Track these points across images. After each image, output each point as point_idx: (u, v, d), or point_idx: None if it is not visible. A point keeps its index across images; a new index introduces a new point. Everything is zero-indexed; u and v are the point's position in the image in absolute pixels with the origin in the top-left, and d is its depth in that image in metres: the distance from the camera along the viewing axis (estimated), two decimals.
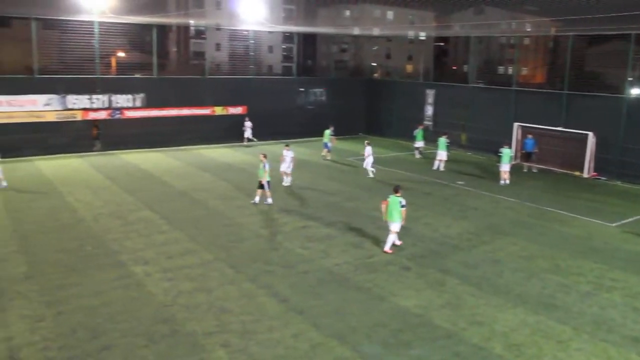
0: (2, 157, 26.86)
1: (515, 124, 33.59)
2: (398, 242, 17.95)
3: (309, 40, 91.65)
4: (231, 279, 15.24)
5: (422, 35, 72.27)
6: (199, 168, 30.31)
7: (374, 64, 63.49)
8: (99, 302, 13.55)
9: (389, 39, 78.42)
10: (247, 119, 37.74)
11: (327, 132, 34.01)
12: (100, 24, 34.02)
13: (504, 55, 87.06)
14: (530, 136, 31.09)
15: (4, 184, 24.98)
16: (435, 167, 31.14)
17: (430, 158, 33.04)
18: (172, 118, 36.72)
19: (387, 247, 17.56)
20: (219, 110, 38.49)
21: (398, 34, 77.37)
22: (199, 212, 21.67)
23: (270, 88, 41.36)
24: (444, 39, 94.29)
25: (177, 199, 23.72)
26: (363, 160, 29.62)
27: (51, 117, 32.85)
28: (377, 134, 43.74)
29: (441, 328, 12.66)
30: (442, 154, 31.03)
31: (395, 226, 17.44)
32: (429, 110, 40.37)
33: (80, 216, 20.78)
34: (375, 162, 29.70)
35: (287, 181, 26.15)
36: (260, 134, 38.69)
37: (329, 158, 33.72)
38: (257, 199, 22.91)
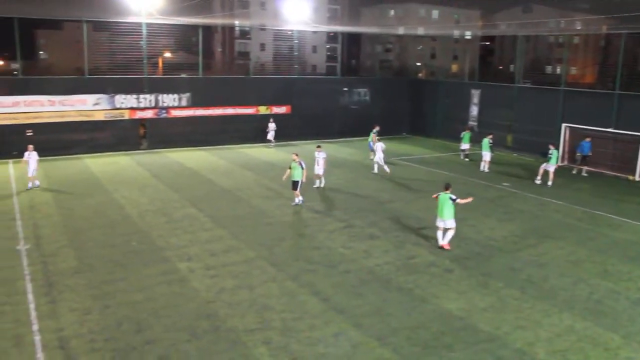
0: (48, 156, 27.66)
1: (564, 125, 32.82)
2: (443, 244, 17.82)
3: (353, 40, 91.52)
4: (273, 276, 15.34)
5: (468, 35, 71.29)
6: (242, 167, 30.62)
7: (419, 64, 63.00)
8: (144, 297, 13.83)
9: (433, 38, 77.74)
10: (271, 120, 37.50)
11: (373, 132, 33.54)
12: (148, 25, 34.75)
13: (552, 54, 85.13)
14: (588, 139, 30.10)
15: (37, 182, 25.33)
16: (481, 169, 30.66)
17: (476, 160, 32.57)
18: (216, 117, 37.22)
19: (445, 242, 17.68)
20: (263, 110, 38.81)
21: (443, 33, 76.54)
22: (242, 210, 21.89)
23: (314, 88, 41.48)
24: (490, 38, 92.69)
25: (221, 197, 24.01)
26: (406, 160, 29.39)
27: (100, 116, 33.73)
28: (421, 134, 43.40)
29: (483, 331, 12.46)
30: (486, 155, 30.55)
31: (450, 222, 17.55)
32: (474, 111, 39.80)
33: (127, 213, 21.24)
34: (419, 163, 29.43)
35: (317, 183, 25.64)
36: (304, 133, 38.88)
37: (372, 158, 33.38)
38: (296, 199, 22.79)
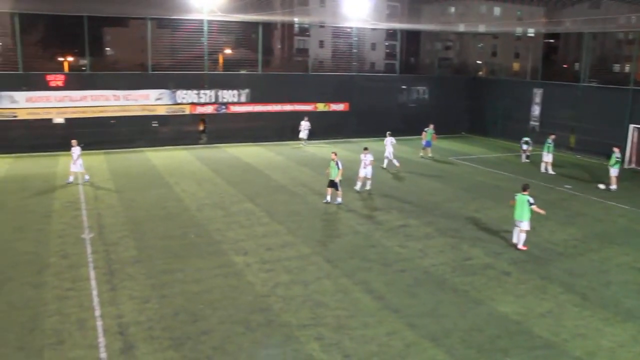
0: (112, 149, 28.53)
1: (631, 126, 31.58)
2: (519, 246, 17.64)
3: (412, 38, 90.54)
4: (328, 273, 15.38)
5: (531, 32, 69.42)
6: (299, 163, 30.81)
7: (479, 62, 61.82)
8: (200, 288, 14.11)
9: (495, 36, 76.12)
10: (305, 118, 36.79)
11: (429, 130, 33.35)
12: (210, 22, 35.39)
13: (621, 52, 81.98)
14: None
15: (87, 177, 25.61)
16: (543, 170, 29.82)
17: (536, 162, 31.66)
18: (275, 113, 37.57)
19: (520, 244, 17.56)
20: (321, 107, 38.92)
21: (505, 30, 74.87)
22: (298, 206, 22.02)
23: (373, 85, 41.32)
24: (554, 36, 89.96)
25: (277, 192, 24.23)
26: (464, 159, 28.93)
27: (161, 111, 34.61)
28: (480, 133, 42.61)
29: (541, 337, 12.12)
30: (547, 156, 29.68)
31: (525, 225, 17.43)
32: (536, 110, 38.78)
33: (186, 205, 21.70)
34: (478, 163, 28.92)
35: (359, 186, 24.67)
36: (362, 131, 38.82)
37: (430, 155, 33.20)
38: (328, 197, 22.46)
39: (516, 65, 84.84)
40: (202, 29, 35.27)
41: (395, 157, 29.58)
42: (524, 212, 17.31)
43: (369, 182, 24.66)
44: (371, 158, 24.23)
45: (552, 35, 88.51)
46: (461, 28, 61.56)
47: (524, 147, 33.48)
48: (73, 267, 15.39)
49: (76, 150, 24.98)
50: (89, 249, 16.77)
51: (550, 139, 29.84)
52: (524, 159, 33.45)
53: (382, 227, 19.67)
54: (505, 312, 13.27)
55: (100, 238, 17.81)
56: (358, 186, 24.62)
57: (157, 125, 34.38)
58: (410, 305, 13.46)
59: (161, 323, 12.27)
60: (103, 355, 10.96)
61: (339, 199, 22.45)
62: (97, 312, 12.67)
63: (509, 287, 14.75)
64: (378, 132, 38.19)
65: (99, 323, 12.18)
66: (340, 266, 15.88)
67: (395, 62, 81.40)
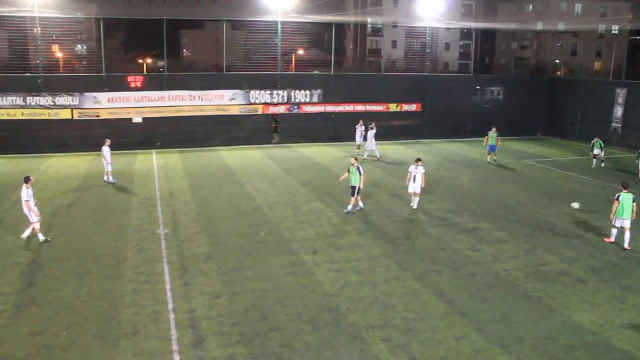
0: (187, 147, 29.30)
1: None
2: (627, 245, 17.41)
3: (487, 37, 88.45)
4: (397, 275, 15.21)
5: (615, 29, 66.42)
6: (370, 164, 30.66)
7: (557, 61, 59.74)
8: (270, 286, 14.26)
9: (575, 34, 73.29)
10: (361, 122, 33.98)
11: (492, 134, 31.38)
12: (283, 23, 35.80)
13: None
14: None
15: (111, 178, 25.42)
16: None
17: (620, 166, 30.14)
18: (346, 114, 37.57)
19: (625, 244, 17.33)
20: (392, 107, 38.64)
21: (587, 28, 71.91)
22: (369, 207, 21.88)
23: (446, 86, 40.68)
24: None
25: (347, 193, 24.12)
26: (540, 162, 27.93)
27: (235, 111, 35.31)
28: (557, 135, 41.15)
29: (620, 350, 11.49)
30: None
31: (628, 222, 17.26)
32: (619, 111, 37.03)
33: (257, 204, 22.02)
34: (554, 166, 27.88)
35: (414, 202, 21.80)
36: (434, 132, 38.35)
37: (494, 159, 31.26)
38: (349, 207, 21.03)
39: (597, 65, 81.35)
40: (276, 30, 35.73)
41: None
42: (628, 210, 17.15)
43: (416, 199, 21.78)
44: (423, 171, 21.38)
45: (638, 32, 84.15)
46: (539, 26, 59.73)
47: (595, 151, 30.84)
48: (148, 261, 15.90)
49: (106, 150, 25.21)
50: (163, 245, 17.29)
51: None
52: (595, 164, 30.90)
53: (454, 229, 19.28)
54: (581, 321, 12.69)
55: (174, 234, 18.32)
56: (412, 202, 21.84)
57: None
58: (481, 310, 13.10)
59: (231, 319, 12.47)
60: (175, 347, 11.25)
61: (360, 204, 21.17)
62: (170, 306, 13.02)
63: (585, 295, 14.10)
64: (451, 134, 37.67)
65: (172, 316, 12.52)
66: (410, 268, 15.67)
67: (470, 62, 79.83)
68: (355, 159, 21.27)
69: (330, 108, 37.18)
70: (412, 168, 21.40)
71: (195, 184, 25.50)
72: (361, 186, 20.85)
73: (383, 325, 12.28)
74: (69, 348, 11.21)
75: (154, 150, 33.55)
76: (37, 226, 17.29)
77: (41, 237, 17.34)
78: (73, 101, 32.60)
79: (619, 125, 36.62)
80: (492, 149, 31.30)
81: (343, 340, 11.64)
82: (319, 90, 36.88)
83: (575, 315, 12.99)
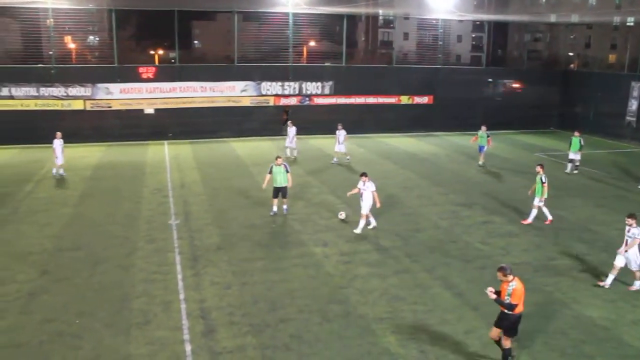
0: (198, 139, 29.36)
1: None
2: None
3: (500, 29, 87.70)
4: (407, 267, 15.22)
5: (630, 21, 65.62)
6: (381, 156, 30.66)
7: (571, 54, 59.23)
8: (280, 278, 14.32)
9: (589, 26, 72.44)
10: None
11: (481, 133, 28.48)
12: (294, 15, 35.73)
13: None
14: None
15: (61, 171, 24.79)
16: None
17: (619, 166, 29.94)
18: (358, 106, 37.51)
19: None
20: (404, 100, 38.51)
21: (601, 20, 71.05)
22: (379, 199, 21.84)
23: (458, 78, 40.46)
24: None
25: (356, 184, 24.13)
26: (552, 156, 27.74)
27: (246, 102, 35.36)
28: (570, 129, 40.59)
29: (632, 346, 11.44)
30: None
31: None
32: (634, 105, 36.64)
33: (268, 195, 21.94)
34: (566, 160, 27.69)
35: (360, 226, 17.84)
36: (446, 125, 38.24)
37: (480, 163, 28.47)
38: (275, 208, 19.69)
39: (612, 57, 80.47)
40: (287, 21, 35.67)
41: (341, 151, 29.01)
42: None
43: (370, 220, 18.36)
44: (372, 188, 17.85)
45: None
46: (552, 18, 59.17)
47: (571, 155, 27.53)
48: (160, 251, 16.01)
49: (57, 142, 24.62)
50: (174, 235, 17.40)
51: None
52: (569, 169, 27.64)
53: (464, 222, 19.25)
54: (592, 316, 12.65)
55: (185, 225, 18.43)
56: (360, 226, 17.87)
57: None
58: (491, 303, 12.98)
59: (241, 309, 12.55)
60: (186, 337, 11.35)
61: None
62: (181, 296, 13.13)
63: (597, 290, 14.02)
64: (462, 126, 37.47)
65: (183, 306, 12.62)
66: (420, 261, 15.67)
67: (482, 54, 79.39)
68: (279, 157, 19.89)
69: (342, 100, 37.11)
70: (360, 184, 17.96)
71: (206, 175, 25.60)
72: (289, 185, 19.60)
73: (392, 318, 12.31)
74: (81, 336, 11.34)
75: (165, 141, 33.70)
76: None
77: None
78: (85, 92, 32.77)
79: (634, 119, 36.27)
80: (481, 149, 28.37)
81: (352, 333, 11.68)
82: (330, 82, 36.82)
83: (587, 310, 12.94)
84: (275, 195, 19.57)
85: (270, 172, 19.54)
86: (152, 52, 59.11)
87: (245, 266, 15.03)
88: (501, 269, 10.16)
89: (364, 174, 17.92)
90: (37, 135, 31.42)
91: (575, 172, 27.14)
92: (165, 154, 30.55)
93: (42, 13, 32.76)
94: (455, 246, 16.94)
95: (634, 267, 13.87)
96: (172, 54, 46.73)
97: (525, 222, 19.08)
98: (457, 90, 39.01)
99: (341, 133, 28.75)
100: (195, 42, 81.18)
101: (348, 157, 29.00)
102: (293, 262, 15.38)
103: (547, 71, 46.74)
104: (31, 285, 13.66)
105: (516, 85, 41.96)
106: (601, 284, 14.18)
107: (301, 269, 14.92)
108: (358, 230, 17.74)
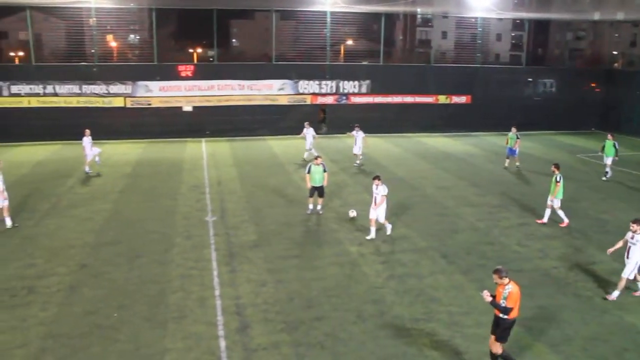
0: (236, 136, 29.57)
1: None
2: None
3: (540, 28, 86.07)
4: (443, 268, 15.08)
5: None
6: (417, 155, 30.44)
7: (615, 53, 57.80)
8: (315, 276, 14.34)
9: (635, 23, 70.55)
10: (307, 124, 29.31)
11: (511, 135, 27.50)
12: (332, 13, 35.74)
13: None
14: None
15: (87, 168, 25.25)
16: None
17: None
18: (395, 105, 37.34)
19: None
20: (442, 99, 38.17)
21: None
22: (416, 199, 21.75)
23: (497, 78, 39.91)
24: None
25: (394, 184, 23.95)
26: (593, 157, 27.10)
27: (283, 101, 35.51)
28: (613, 130, 39.75)
29: None
30: None
31: None
32: None
33: (304, 194, 21.97)
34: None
35: (371, 233, 17.24)
36: (484, 125, 37.71)
37: (517, 165, 27.56)
38: (310, 207, 19.75)
39: None
40: (325, 20, 35.69)
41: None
42: None
43: (373, 231, 17.36)
44: (384, 192, 17.13)
45: None
46: (596, 16, 57.78)
47: (509, 151, 27.25)
48: (196, 247, 16.21)
49: (86, 140, 25.02)
50: (211, 232, 17.59)
51: None
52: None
53: (502, 224, 18.97)
54: (635, 323, 12.31)
55: (222, 221, 18.61)
56: (371, 233, 17.27)
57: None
58: (527, 307, 12.81)
59: (276, 306, 12.61)
60: (221, 332, 11.46)
61: (318, 207, 19.69)
62: (217, 292, 13.26)
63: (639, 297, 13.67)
64: (501, 126, 36.80)
65: (218, 302, 12.75)
66: (456, 262, 15.51)
67: (522, 53, 78.04)
68: (319, 156, 20.04)
69: (379, 99, 36.98)
70: (373, 188, 17.33)
71: (243, 172, 25.80)
72: (325, 184, 19.52)
73: (427, 319, 12.21)
74: (120, 329, 11.56)
75: (203, 139, 34.12)
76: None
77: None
78: (126, 90, 33.41)
79: None
80: (511, 152, 27.38)
81: (387, 333, 11.62)
82: (367, 81, 36.73)
83: (629, 316, 12.60)
84: (312, 194, 19.60)
85: (309, 172, 19.48)
86: (191, 50, 59.84)
87: (280, 264, 15.10)
88: (497, 272, 10.01)
89: (377, 177, 17.31)
90: (79, 132, 32.00)
91: (603, 178, 25.66)
92: (202, 151, 30.92)
93: (85, 12, 33.55)
94: (492, 248, 16.72)
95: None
96: (210, 53, 47.26)
97: (539, 222, 18.96)
98: (496, 89, 38.52)
99: (359, 134, 27.44)
100: (234, 40, 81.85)
101: (357, 162, 27.49)
102: (328, 261, 15.38)
103: (589, 70, 45.72)
104: (71, 278, 13.98)
105: (557, 85, 41.12)
106: (636, 294, 13.73)
107: (337, 268, 14.92)
108: (372, 235, 17.15)
